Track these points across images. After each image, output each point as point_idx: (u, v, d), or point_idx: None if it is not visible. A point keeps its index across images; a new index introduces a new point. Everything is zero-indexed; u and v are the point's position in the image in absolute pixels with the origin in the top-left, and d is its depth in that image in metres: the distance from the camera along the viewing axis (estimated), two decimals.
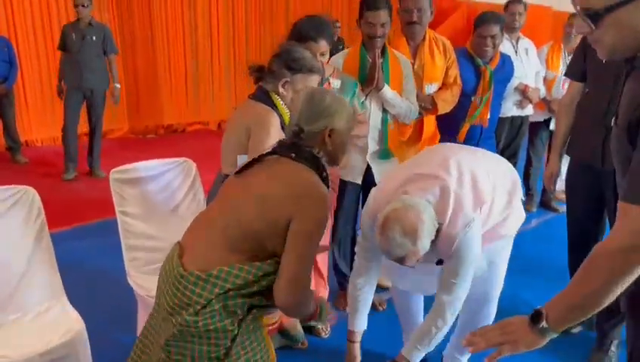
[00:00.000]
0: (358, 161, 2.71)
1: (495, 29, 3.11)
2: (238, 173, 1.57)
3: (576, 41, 4.31)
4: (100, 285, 3.09)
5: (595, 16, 1.21)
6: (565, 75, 2.91)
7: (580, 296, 1.20)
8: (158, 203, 2.51)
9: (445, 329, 1.96)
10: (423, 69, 2.85)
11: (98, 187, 4.94)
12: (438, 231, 1.79)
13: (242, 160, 1.83)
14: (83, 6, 4.92)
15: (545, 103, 4.22)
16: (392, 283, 2.35)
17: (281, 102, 2.02)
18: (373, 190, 2.02)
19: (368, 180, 2.72)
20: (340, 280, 2.96)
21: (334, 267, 2.94)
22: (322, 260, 2.66)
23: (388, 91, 2.64)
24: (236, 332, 1.43)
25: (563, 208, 4.26)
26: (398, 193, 1.84)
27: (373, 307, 2.83)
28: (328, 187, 1.53)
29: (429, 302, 2.40)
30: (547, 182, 2.83)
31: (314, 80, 2.03)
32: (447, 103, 2.91)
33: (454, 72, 2.94)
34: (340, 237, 2.87)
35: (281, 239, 1.42)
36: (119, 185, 2.41)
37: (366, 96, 2.64)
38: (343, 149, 1.61)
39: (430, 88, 2.89)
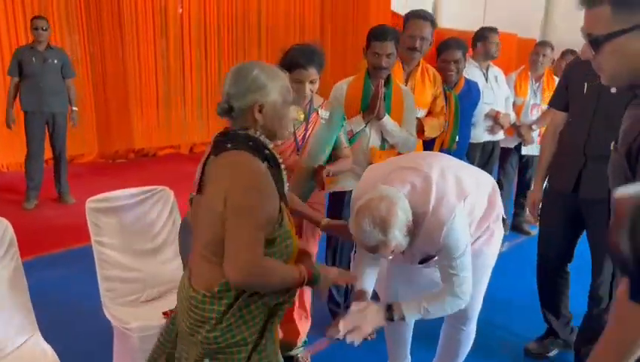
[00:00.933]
0: (351, 183, 2.71)
1: (458, 54, 3.21)
2: (198, 191, 1.59)
3: (544, 68, 4.49)
4: (74, 317, 2.99)
5: (595, 43, 1.23)
6: (549, 105, 2.99)
7: None
8: (135, 232, 2.46)
9: (452, 311, 1.94)
10: (414, 93, 2.91)
11: (68, 213, 4.83)
12: (421, 221, 1.81)
13: None
14: (43, 29, 4.86)
15: (514, 129, 4.36)
16: (385, 298, 2.32)
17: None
18: (359, 182, 2.06)
19: None
20: (333, 309, 2.94)
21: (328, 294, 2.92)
22: (305, 290, 2.63)
23: (388, 121, 2.68)
24: (255, 342, 1.51)
25: (534, 231, 4.40)
26: (378, 184, 1.87)
27: None
28: (277, 165, 1.54)
29: (419, 330, 2.44)
30: (531, 208, 2.87)
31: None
32: (434, 129, 2.97)
33: (442, 102, 3.02)
34: (336, 260, 2.87)
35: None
36: (95, 214, 2.36)
37: (366, 123, 2.67)
38: (280, 123, 1.57)
39: (417, 113, 2.95)
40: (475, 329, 2.29)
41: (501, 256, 2.26)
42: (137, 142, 7.36)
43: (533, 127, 4.42)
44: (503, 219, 2.21)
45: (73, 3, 6.54)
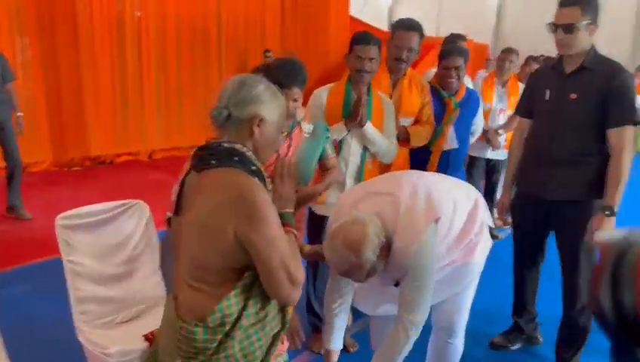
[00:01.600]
0: (334, 197, 2.66)
1: (459, 61, 3.19)
2: (176, 211, 1.52)
3: (509, 74, 4.59)
4: (41, 338, 2.80)
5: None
6: (515, 112, 3.08)
7: None
8: (109, 249, 2.33)
9: (407, 348, 1.92)
10: (400, 101, 2.89)
11: (25, 227, 4.56)
12: (390, 246, 1.81)
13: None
14: None
15: (482, 134, 4.38)
16: (364, 311, 2.30)
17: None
18: (334, 208, 2.07)
19: None
20: (314, 322, 2.87)
21: (308, 307, 2.86)
22: None
23: (370, 128, 2.64)
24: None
25: (502, 234, 4.47)
26: (351, 210, 1.88)
27: (344, 348, 2.77)
28: (263, 179, 1.47)
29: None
30: (499, 212, 2.94)
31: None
32: (420, 138, 2.95)
33: (429, 111, 2.99)
34: (317, 276, 2.79)
35: (241, 251, 1.37)
36: (66, 231, 2.21)
37: (348, 131, 2.63)
38: (269, 145, 1.52)
39: (404, 121, 2.92)
40: (462, 342, 2.28)
41: None
42: (94, 148, 7.06)
43: (500, 131, 4.50)
44: (490, 228, 2.20)
45: (22, 3, 6.22)
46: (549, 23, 2.43)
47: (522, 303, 2.95)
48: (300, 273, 1.42)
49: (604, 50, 2.48)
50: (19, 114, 4.81)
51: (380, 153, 2.72)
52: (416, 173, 2.22)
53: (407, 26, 2.87)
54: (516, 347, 2.99)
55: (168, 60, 7.79)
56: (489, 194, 4.74)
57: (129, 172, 6.81)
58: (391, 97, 2.85)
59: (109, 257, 2.32)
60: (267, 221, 1.35)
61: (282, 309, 1.50)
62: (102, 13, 6.93)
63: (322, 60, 9.54)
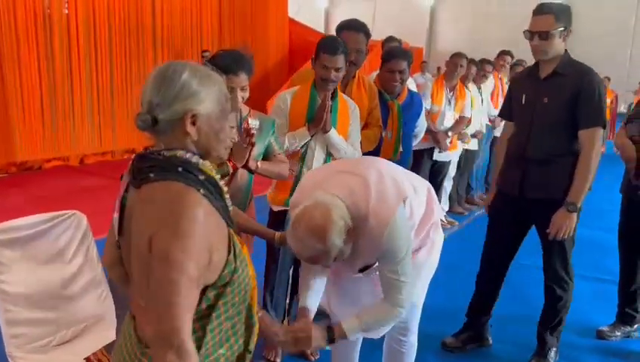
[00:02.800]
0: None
1: (403, 65, 3.19)
2: (120, 231, 1.29)
3: (458, 78, 4.69)
4: None
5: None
6: (499, 115, 3.28)
7: None
8: (43, 265, 2.15)
9: (392, 322, 1.93)
10: None
11: None
12: (362, 225, 1.75)
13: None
14: None
15: (429, 134, 4.39)
16: (331, 310, 2.23)
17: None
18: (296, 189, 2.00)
19: None
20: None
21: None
22: None
23: (334, 135, 2.59)
24: None
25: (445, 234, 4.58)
26: (313, 191, 1.79)
27: (305, 356, 2.73)
28: (217, 189, 1.25)
29: (365, 347, 2.38)
30: (487, 210, 3.02)
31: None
32: (369, 142, 2.92)
33: (377, 114, 2.97)
34: (274, 283, 2.70)
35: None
36: None
37: (311, 136, 2.57)
38: (217, 138, 1.26)
39: None
40: (416, 340, 2.29)
41: None
42: (20, 154, 6.61)
43: (449, 133, 4.60)
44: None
45: None
46: (525, 31, 2.56)
47: (482, 303, 2.98)
48: (186, 329, 1.11)
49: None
50: None
51: (343, 159, 2.67)
52: (374, 159, 2.18)
53: (353, 27, 2.84)
54: (469, 347, 3.01)
55: (100, 60, 7.43)
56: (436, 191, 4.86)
57: (59, 178, 6.42)
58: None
59: (43, 274, 2.14)
60: (185, 240, 1.11)
61: (248, 329, 1.36)
62: (26, 11, 6.50)
63: (261, 62, 9.43)
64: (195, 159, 1.22)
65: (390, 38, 4.78)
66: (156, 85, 1.19)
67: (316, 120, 2.53)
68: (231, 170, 2.12)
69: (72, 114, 7.16)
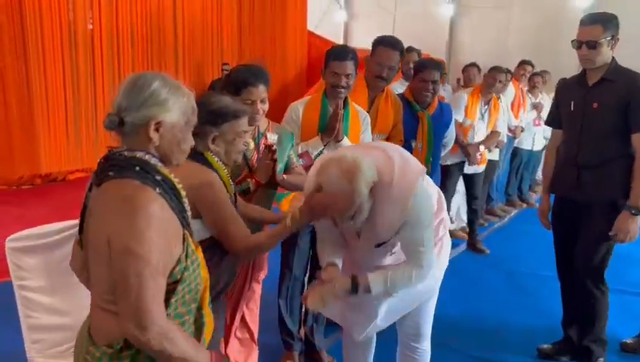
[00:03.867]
0: None
1: (436, 75, 3.20)
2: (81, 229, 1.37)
3: (494, 93, 4.60)
4: None
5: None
6: (546, 124, 3.28)
7: None
8: (63, 273, 2.17)
9: (417, 282, 1.94)
10: (376, 118, 2.87)
11: None
12: (386, 192, 1.78)
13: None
14: None
15: (459, 147, 4.33)
16: (345, 323, 2.21)
17: (216, 159, 1.86)
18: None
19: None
20: (286, 339, 2.75)
21: (280, 322, 2.74)
22: (251, 317, 2.45)
23: (347, 143, 2.59)
24: None
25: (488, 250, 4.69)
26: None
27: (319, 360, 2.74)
28: (174, 190, 1.32)
29: (378, 356, 2.37)
30: (541, 218, 2.99)
31: (243, 123, 1.88)
32: None
33: (400, 127, 3.00)
34: (289, 288, 2.68)
35: None
36: (17, 254, 2.09)
37: (325, 145, 2.57)
38: (178, 147, 1.35)
39: (378, 138, 2.90)
40: (429, 347, 2.27)
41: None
42: (44, 166, 6.76)
43: (480, 147, 4.49)
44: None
45: None
46: (574, 40, 2.63)
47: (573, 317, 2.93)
48: (160, 314, 1.22)
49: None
50: None
51: None
52: (389, 143, 2.25)
53: (390, 44, 2.86)
54: (565, 359, 2.95)
55: (123, 73, 7.55)
56: (472, 210, 4.82)
57: (82, 189, 6.49)
58: (368, 112, 2.83)
59: (63, 281, 2.17)
60: (143, 234, 1.19)
61: (198, 329, 1.38)
62: (52, 26, 6.66)
63: (281, 75, 9.52)
64: (153, 161, 1.31)
65: (409, 49, 4.77)
66: (127, 90, 1.30)
67: (329, 129, 2.54)
68: (252, 187, 2.14)
69: (95, 126, 7.29)
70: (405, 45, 5.03)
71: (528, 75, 6.09)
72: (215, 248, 1.76)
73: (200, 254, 1.39)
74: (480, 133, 4.59)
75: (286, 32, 10.36)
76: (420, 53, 4.91)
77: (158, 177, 1.28)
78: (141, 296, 1.18)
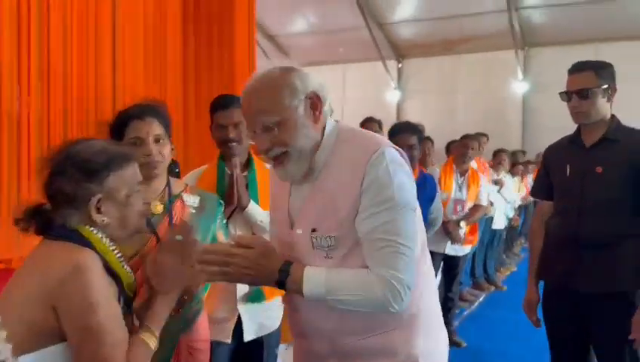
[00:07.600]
0: (224, 311, 2.08)
1: (413, 139, 2.84)
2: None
3: (470, 162, 4.27)
4: None
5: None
6: (531, 195, 2.76)
7: None
8: None
9: (376, 305, 1.29)
10: None
11: None
12: (340, 146, 1.38)
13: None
14: None
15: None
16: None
17: (101, 236, 1.32)
18: None
19: (240, 336, 2.11)
20: None
21: None
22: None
23: (256, 210, 2.11)
24: None
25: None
26: None
27: None
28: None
29: None
30: (527, 312, 2.42)
31: (134, 170, 1.38)
32: None
33: None
34: None
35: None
36: None
37: (228, 218, 2.06)
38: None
39: None
40: None
41: None
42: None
43: (462, 224, 4.06)
44: None
45: None
46: (562, 92, 2.21)
47: None
48: None
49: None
50: None
51: None
52: None
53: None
54: None
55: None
56: (447, 291, 4.27)
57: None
58: None
59: None
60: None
61: None
62: None
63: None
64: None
65: (369, 119, 4.38)
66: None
67: (228, 196, 2.06)
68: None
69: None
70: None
71: (484, 147, 5.91)
72: None
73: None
74: (459, 207, 4.20)
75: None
76: (380, 123, 4.54)
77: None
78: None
